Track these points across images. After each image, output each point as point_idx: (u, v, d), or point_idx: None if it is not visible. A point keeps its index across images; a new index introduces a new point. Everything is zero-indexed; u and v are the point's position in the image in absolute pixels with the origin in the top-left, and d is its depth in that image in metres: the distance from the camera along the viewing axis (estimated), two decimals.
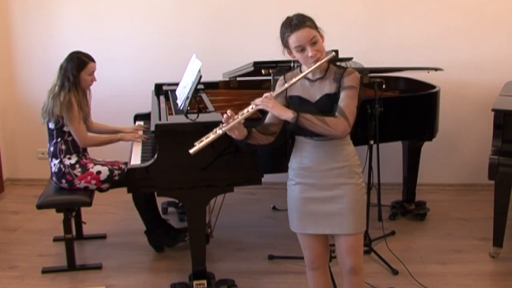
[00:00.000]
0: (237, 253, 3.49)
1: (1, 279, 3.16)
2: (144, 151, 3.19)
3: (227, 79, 3.96)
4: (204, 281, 2.95)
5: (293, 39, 2.14)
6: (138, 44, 4.52)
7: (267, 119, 2.27)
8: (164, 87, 3.98)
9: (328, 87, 2.18)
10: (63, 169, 3.22)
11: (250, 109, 2.13)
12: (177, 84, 3.50)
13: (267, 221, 4.02)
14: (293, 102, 2.23)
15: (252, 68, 3.20)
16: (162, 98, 3.70)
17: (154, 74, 4.28)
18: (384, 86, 3.22)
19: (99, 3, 4.47)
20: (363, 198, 2.29)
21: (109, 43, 4.49)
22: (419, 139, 3.87)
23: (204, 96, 3.56)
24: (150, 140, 3.36)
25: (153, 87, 4.01)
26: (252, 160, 2.83)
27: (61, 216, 3.18)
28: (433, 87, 3.77)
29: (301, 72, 2.22)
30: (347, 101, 2.12)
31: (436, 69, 3.86)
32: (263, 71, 3.22)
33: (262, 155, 2.85)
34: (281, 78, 2.31)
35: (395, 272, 3.16)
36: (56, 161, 3.25)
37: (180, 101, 3.23)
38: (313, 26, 2.16)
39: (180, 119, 2.92)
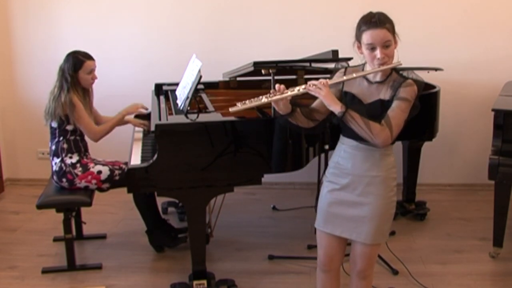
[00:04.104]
0: (237, 253, 3.49)
1: (1, 279, 3.16)
2: (144, 151, 3.19)
3: (227, 79, 3.96)
4: (204, 281, 2.96)
5: (367, 36, 2.08)
6: (138, 44, 4.52)
7: (315, 105, 2.24)
8: (164, 87, 3.98)
9: (383, 93, 2.14)
10: (64, 168, 3.22)
11: (301, 89, 2.10)
12: (177, 84, 3.50)
13: (267, 221, 4.02)
14: (347, 98, 2.20)
15: (252, 68, 3.20)
16: (162, 98, 3.70)
17: (154, 74, 4.28)
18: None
19: (99, 3, 4.47)
20: (390, 212, 2.26)
21: (109, 43, 4.49)
22: (419, 139, 3.87)
23: (204, 96, 3.56)
24: (150, 140, 3.36)
25: (153, 87, 4.02)
26: (252, 160, 2.84)
27: (61, 216, 3.17)
28: (433, 87, 3.77)
29: (363, 70, 2.19)
30: (396, 112, 2.09)
31: (436, 69, 3.86)
32: (263, 71, 3.22)
33: (261, 155, 2.86)
34: (341, 70, 2.26)
35: (395, 272, 3.16)
36: (57, 160, 3.25)
37: (180, 101, 3.23)
38: (391, 29, 2.10)
39: (180, 119, 2.92)
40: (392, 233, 3.67)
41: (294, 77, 3.92)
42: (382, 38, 2.06)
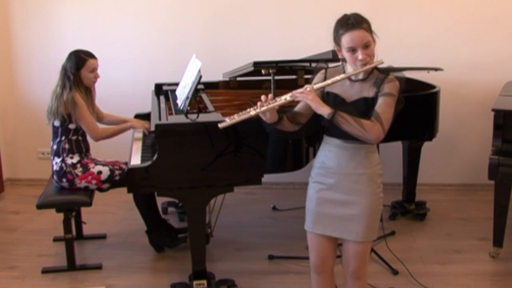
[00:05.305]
0: (237, 253, 3.49)
1: (1, 279, 3.16)
2: (144, 151, 3.19)
3: (227, 79, 3.96)
4: (204, 281, 2.95)
5: (346, 39, 2.09)
6: (138, 44, 4.52)
7: (297, 108, 2.25)
8: (164, 87, 3.98)
9: (367, 91, 2.15)
10: (64, 168, 3.22)
11: (288, 98, 2.11)
12: (177, 84, 3.50)
13: (267, 221, 4.02)
14: (329, 99, 2.20)
15: (252, 68, 3.20)
16: (162, 98, 3.70)
17: (154, 74, 4.28)
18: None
19: (99, 4, 4.47)
20: (378, 208, 2.25)
21: (109, 43, 4.48)
22: (419, 139, 3.87)
23: (204, 96, 3.56)
24: (150, 140, 3.36)
25: (153, 87, 4.02)
26: (252, 160, 2.83)
27: (61, 216, 3.17)
28: (433, 87, 3.77)
29: (344, 70, 2.20)
30: (384, 108, 2.09)
31: (436, 69, 3.86)
32: (263, 71, 3.22)
33: (262, 155, 2.85)
34: (322, 71, 2.27)
35: (395, 272, 3.16)
36: (58, 160, 3.25)
37: (180, 101, 3.23)
38: (369, 29, 2.11)
39: (180, 119, 2.92)
40: (392, 233, 3.67)
41: (294, 77, 3.92)
42: (361, 39, 2.07)
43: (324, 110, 2.07)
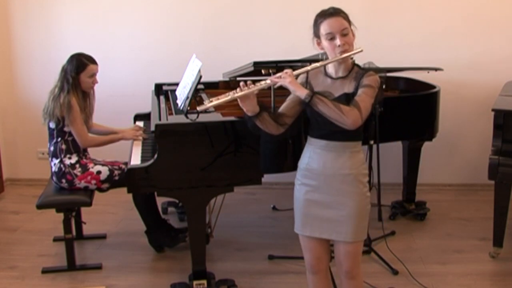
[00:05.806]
0: (237, 253, 3.49)
1: (1, 279, 3.16)
2: (144, 151, 3.19)
3: (227, 79, 3.96)
4: (204, 281, 2.95)
5: (325, 26, 2.13)
6: (138, 44, 4.52)
7: (282, 109, 2.25)
8: (164, 87, 3.98)
9: (347, 87, 2.17)
10: (63, 168, 3.22)
11: (267, 82, 2.13)
12: (177, 84, 3.50)
13: (267, 221, 4.02)
14: None
15: (252, 68, 3.20)
16: (162, 98, 3.70)
17: (154, 74, 4.28)
18: (384, 86, 3.22)
19: (99, 4, 4.47)
20: (366, 208, 2.26)
21: (109, 43, 4.49)
22: (419, 139, 3.87)
23: (204, 96, 3.56)
24: (150, 140, 3.36)
25: (153, 87, 4.02)
26: (252, 160, 2.84)
27: (61, 216, 3.18)
28: (433, 87, 3.77)
29: (325, 69, 2.22)
30: (363, 97, 2.10)
31: (436, 69, 3.85)
32: (263, 71, 3.22)
33: (262, 154, 2.85)
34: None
35: (395, 272, 3.16)
36: (56, 161, 3.25)
37: (180, 101, 3.23)
38: (347, 19, 2.15)
39: (180, 119, 2.91)
40: (392, 233, 3.67)
41: None
42: (339, 25, 2.11)
43: (302, 92, 2.09)
